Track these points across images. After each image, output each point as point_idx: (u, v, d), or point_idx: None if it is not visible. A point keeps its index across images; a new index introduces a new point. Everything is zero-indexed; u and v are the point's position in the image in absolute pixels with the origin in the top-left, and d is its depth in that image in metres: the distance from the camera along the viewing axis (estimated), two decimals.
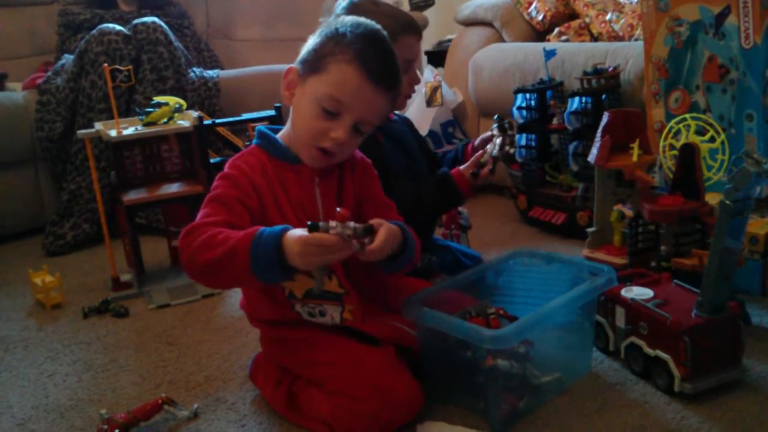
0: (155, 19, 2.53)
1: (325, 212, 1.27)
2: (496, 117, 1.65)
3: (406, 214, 1.38)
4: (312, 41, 1.23)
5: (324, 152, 1.22)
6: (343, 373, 1.21)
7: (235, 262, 1.08)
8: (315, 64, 1.19)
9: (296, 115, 1.24)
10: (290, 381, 1.31)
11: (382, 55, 1.20)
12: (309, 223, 1.04)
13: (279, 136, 1.29)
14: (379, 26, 1.24)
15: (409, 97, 1.69)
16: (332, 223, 1.04)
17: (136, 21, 2.50)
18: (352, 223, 1.05)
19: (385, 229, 1.13)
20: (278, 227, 1.09)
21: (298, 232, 1.07)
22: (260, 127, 1.31)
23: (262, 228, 1.09)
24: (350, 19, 1.23)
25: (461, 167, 1.57)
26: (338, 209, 1.06)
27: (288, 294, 1.26)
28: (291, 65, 1.24)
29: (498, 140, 1.59)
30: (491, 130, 1.63)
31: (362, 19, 1.24)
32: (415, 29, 1.58)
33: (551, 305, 1.22)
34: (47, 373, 1.55)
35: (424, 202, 1.56)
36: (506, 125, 1.60)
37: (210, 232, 1.11)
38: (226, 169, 1.24)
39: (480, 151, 1.60)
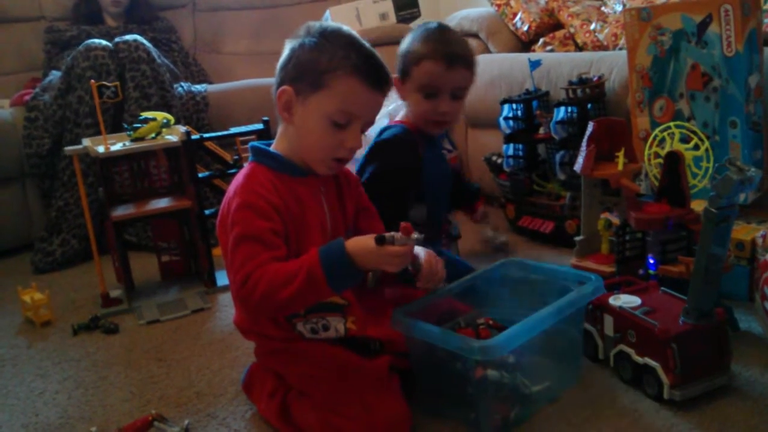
0: (137, 36, 2.52)
1: (332, 221, 1.30)
2: None
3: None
4: (293, 57, 1.23)
5: (339, 161, 1.27)
6: (333, 389, 1.22)
7: (313, 286, 1.13)
8: (314, 81, 1.21)
9: (303, 133, 1.25)
10: (285, 391, 1.31)
11: (374, 59, 1.24)
12: (376, 236, 1.12)
13: (278, 151, 1.29)
14: (347, 27, 1.26)
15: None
16: (396, 235, 1.13)
17: (117, 39, 2.48)
18: (414, 235, 1.14)
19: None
20: (335, 243, 1.15)
21: (361, 242, 1.14)
22: (255, 143, 1.31)
23: (319, 249, 1.15)
24: (319, 27, 1.24)
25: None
26: (401, 224, 1.14)
27: (289, 314, 1.27)
28: (283, 87, 1.23)
29: None
30: None
31: (331, 24, 1.26)
32: (467, 63, 1.61)
33: (540, 314, 1.22)
34: (37, 391, 1.54)
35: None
36: None
37: (269, 272, 1.14)
38: (242, 196, 1.21)
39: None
